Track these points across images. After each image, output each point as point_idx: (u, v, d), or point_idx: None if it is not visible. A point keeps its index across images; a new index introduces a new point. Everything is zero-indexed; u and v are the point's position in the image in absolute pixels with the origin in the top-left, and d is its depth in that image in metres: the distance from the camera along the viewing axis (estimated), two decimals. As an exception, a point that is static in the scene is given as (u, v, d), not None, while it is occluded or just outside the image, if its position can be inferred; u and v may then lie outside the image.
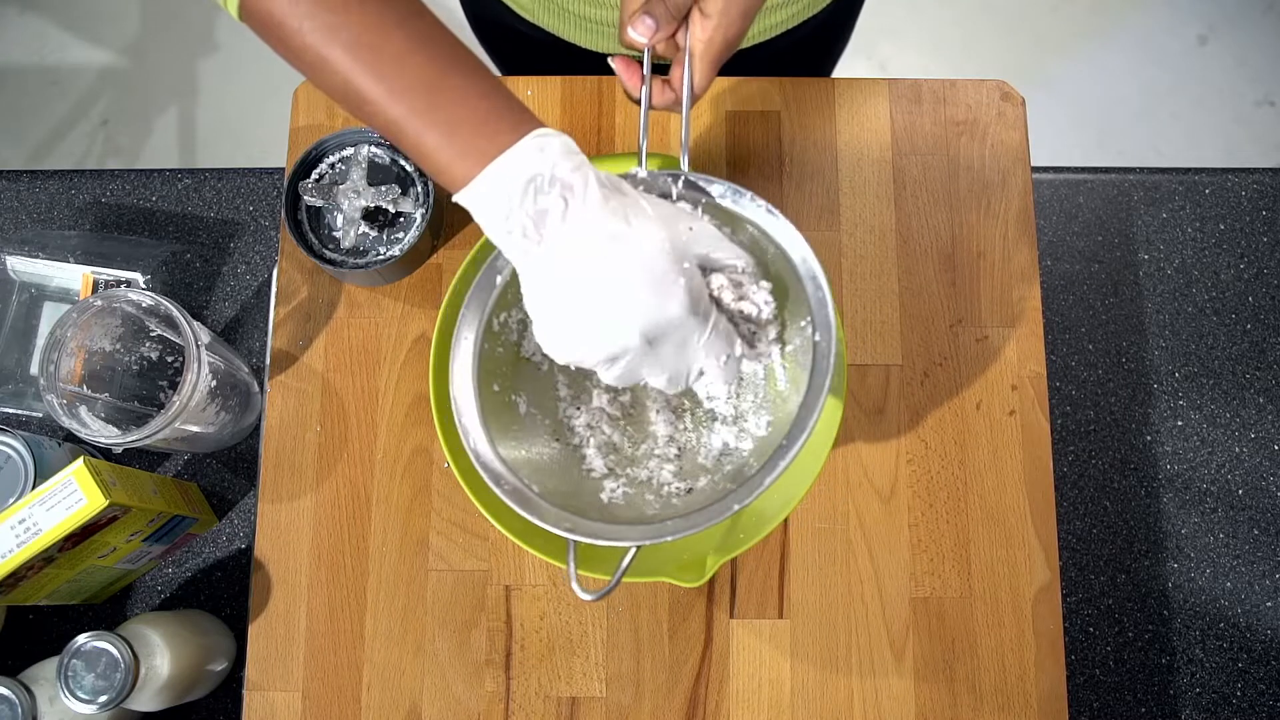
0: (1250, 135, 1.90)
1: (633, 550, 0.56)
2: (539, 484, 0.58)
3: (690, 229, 0.54)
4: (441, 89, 0.50)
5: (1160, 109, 1.91)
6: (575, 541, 0.57)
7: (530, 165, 0.49)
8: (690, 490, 0.62)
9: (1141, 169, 0.89)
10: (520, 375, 0.63)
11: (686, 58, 0.59)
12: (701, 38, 0.58)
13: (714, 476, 0.62)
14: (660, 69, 0.60)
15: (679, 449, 0.64)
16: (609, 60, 0.61)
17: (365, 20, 0.50)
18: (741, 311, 0.58)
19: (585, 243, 0.50)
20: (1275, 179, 0.89)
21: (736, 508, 0.54)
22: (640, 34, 0.57)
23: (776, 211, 0.57)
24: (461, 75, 0.51)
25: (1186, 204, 0.88)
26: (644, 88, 0.60)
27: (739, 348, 0.56)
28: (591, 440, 0.64)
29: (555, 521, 0.56)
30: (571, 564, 0.57)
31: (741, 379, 0.62)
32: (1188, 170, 0.89)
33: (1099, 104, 1.91)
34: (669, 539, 0.55)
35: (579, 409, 0.65)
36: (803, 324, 0.58)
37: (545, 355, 0.61)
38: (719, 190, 0.57)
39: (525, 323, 0.63)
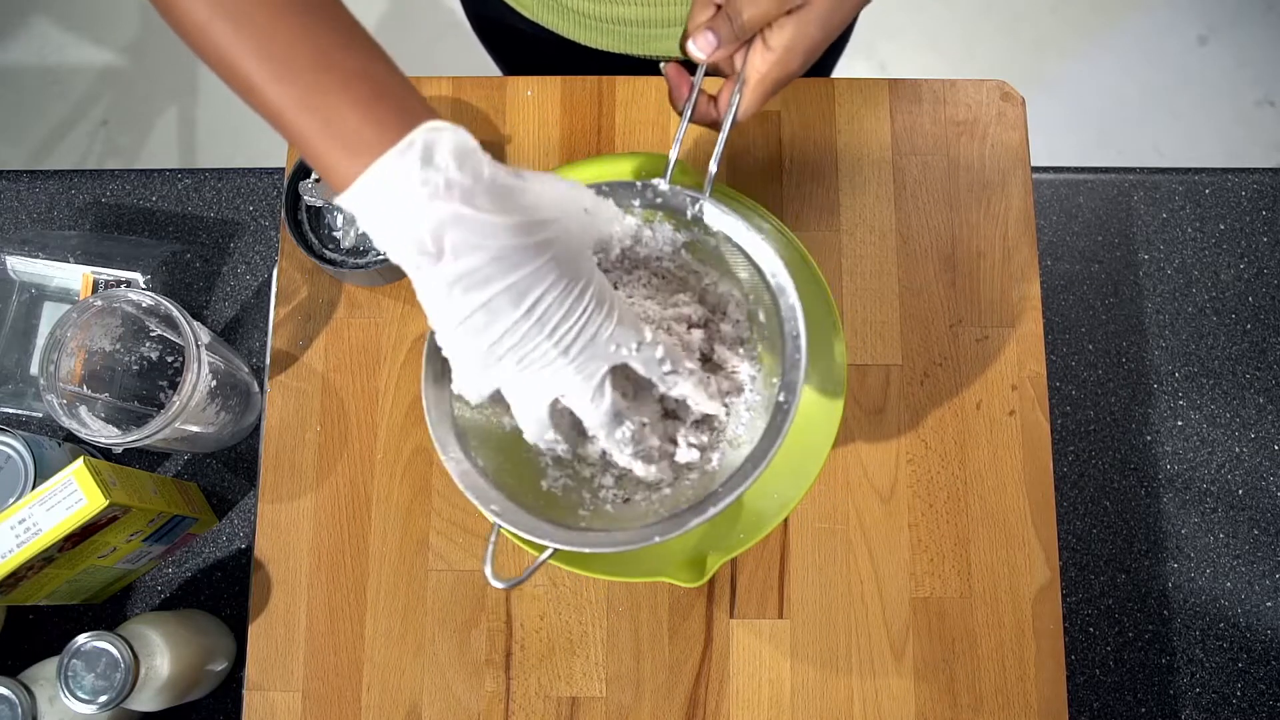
0: (1250, 135, 1.90)
1: (550, 550, 0.55)
2: (485, 457, 0.57)
3: (586, 210, 0.52)
4: (327, 69, 0.45)
5: (1160, 109, 1.91)
6: (500, 528, 0.56)
7: (424, 166, 0.45)
8: (628, 500, 0.61)
9: (1141, 169, 0.89)
10: None
11: (738, 84, 0.57)
12: (760, 68, 0.57)
13: (650, 495, 0.61)
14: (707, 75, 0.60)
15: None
16: (660, 66, 0.60)
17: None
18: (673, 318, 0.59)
19: (489, 257, 0.46)
20: (1275, 179, 0.89)
21: (657, 540, 0.54)
22: (701, 49, 0.56)
23: (779, 256, 0.56)
24: (351, 54, 0.46)
25: (1186, 204, 0.88)
26: (689, 101, 0.58)
27: (648, 332, 0.53)
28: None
29: (485, 502, 0.55)
30: (491, 548, 0.56)
31: (711, 418, 0.60)
32: (1188, 170, 0.89)
33: (1099, 104, 1.91)
34: (586, 550, 0.55)
35: None
36: (774, 380, 0.57)
37: None
38: (734, 224, 0.56)
39: None
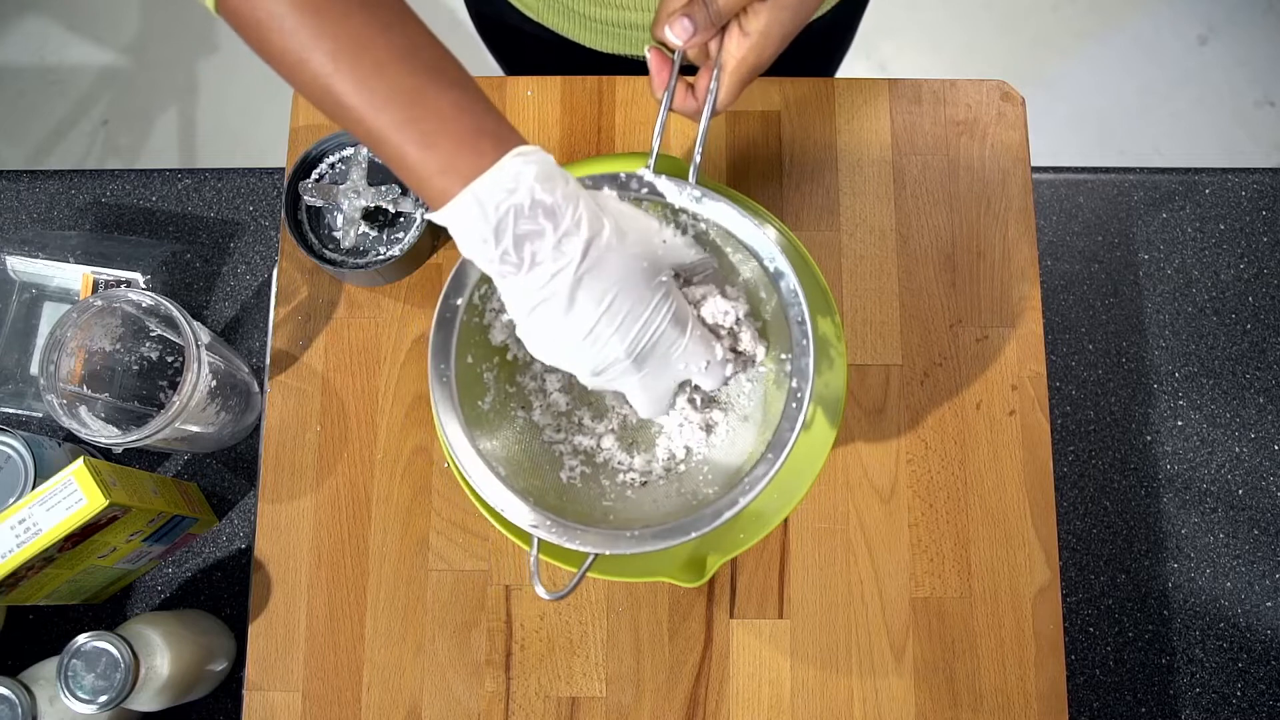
0: (1250, 135, 1.90)
1: (591, 557, 0.57)
2: (504, 465, 0.58)
3: (664, 241, 0.55)
4: (423, 101, 0.49)
5: (1160, 109, 1.91)
6: (539, 539, 0.58)
7: (512, 186, 0.48)
8: (645, 483, 0.63)
9: (1141, 169, 0.89)
10: (489, 347, 0.63)
11: (715, 70, 0.58)
12: (735, 54, 0.57)
13: (669, 473, 0.63)
14: (687, 69, 0.60)
15: (629, 431, 0.65)
16: (645, 49, 0.60)
17: (350, 23, 0.49)
18: (717, 323, 0.60)
19: (568, 267, 0.50)
20: (1275, 179, 0.89)
21: (694, 535, 0.55)
22: (676, 35, 0.56)
23: (774, 241, 0.57)
24: (445, 87, 0.50)
25: (1186, 204, 0.88)
26: (669, 87, 0.59)
27: (719, 351, 0.57)
28: (550, 404, 0.65)
29: (519, 517, 0.56)
30: (534, 561, 0.58)
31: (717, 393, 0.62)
32: (1188, 170, 0.89)
33: (1099, 104, 1.91)
34: (626, 552, 0.56)
35: (540, 381, 0.66)
36: (784, 357, 0.59)
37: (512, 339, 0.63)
38: (726, 211, 0.57)
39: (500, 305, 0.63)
